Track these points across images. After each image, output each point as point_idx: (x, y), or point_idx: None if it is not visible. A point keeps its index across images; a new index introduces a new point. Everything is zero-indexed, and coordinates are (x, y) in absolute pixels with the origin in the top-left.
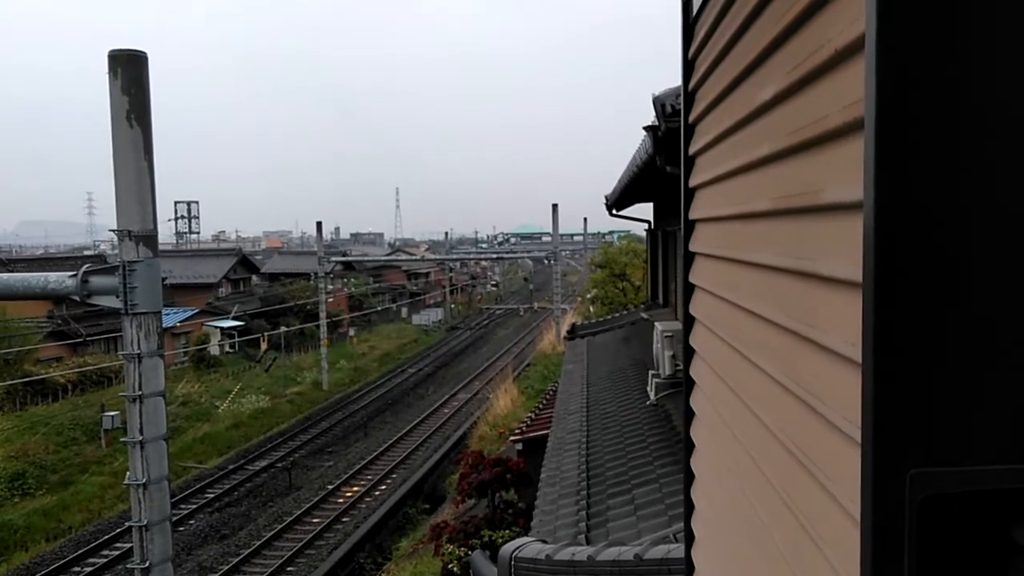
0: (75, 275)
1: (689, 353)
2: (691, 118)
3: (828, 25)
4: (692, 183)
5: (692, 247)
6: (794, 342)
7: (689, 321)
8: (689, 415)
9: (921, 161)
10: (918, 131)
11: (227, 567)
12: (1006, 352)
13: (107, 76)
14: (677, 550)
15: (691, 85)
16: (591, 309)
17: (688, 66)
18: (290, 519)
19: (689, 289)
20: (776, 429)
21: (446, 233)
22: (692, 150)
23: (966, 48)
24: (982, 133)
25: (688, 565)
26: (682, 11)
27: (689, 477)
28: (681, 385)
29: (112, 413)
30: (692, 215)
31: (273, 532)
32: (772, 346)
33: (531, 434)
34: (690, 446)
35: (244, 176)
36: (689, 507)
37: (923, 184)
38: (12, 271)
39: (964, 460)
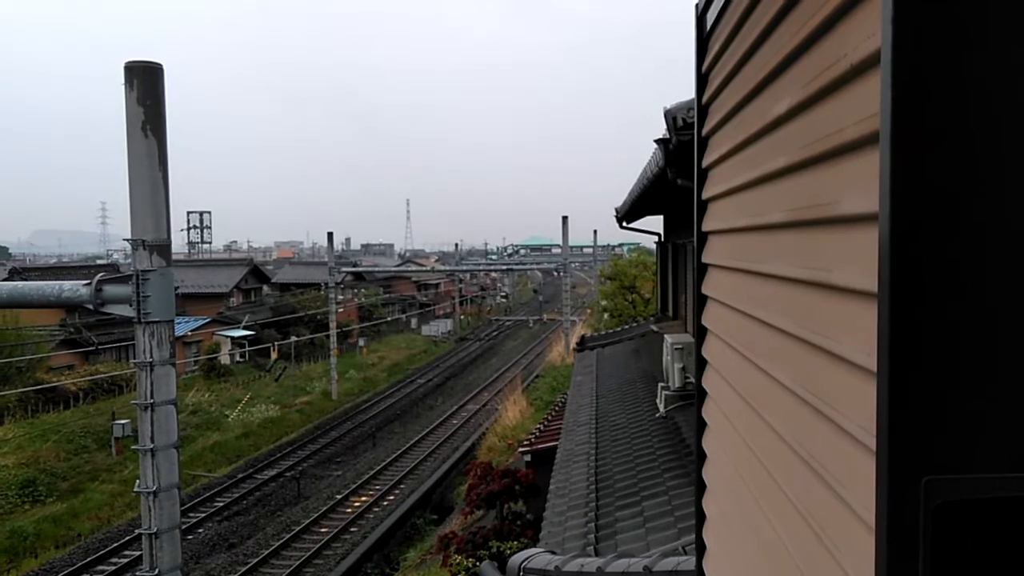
0: (89, 284)
1: (701, 364)
2: (705, 130)
3: (844, 40)
4: (705, 195)
5: (705, 259)
6: (808, 352)
7: (701, 332)
8: (701, 425)
9: (936, 173)
10: (933, 144)
11: None
12: (1020, 361)
13: (123, 87)
14: (687, 562)
15: (705, 98)
16: (605, 318)
17: (702, 79)
18: (298, 528)
19: (702, 300)
20: (790, 438)
21: (456, 244)
22: (706, 162)
23: (982, 63)
24: (998, 146)
25: None
26: (696, 26)
27: (701, 487)
28: (691, 397)
29: (123, 421)
30: (705, 227)
31: (281, 541)
32: (786, 356)
33: (540, 446)
34: (702, 456)
35: (256, 186)
36: (701, 518)
37: (938, 196)
38: (26, 279)
39: (978, 468)
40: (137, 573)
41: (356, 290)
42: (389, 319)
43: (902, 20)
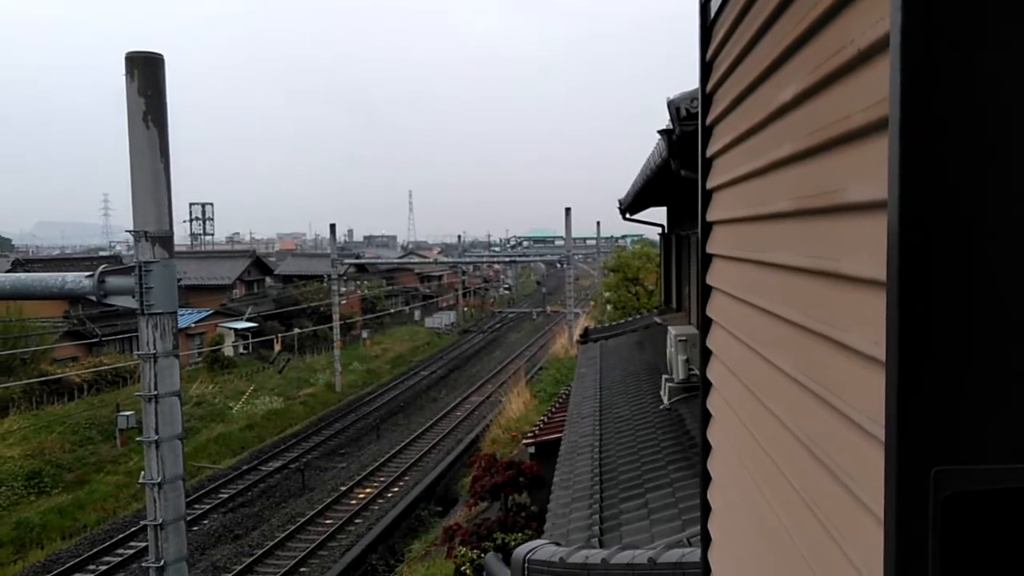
0: (92, 275)
1: (706, 355)
2: (709, 120)
3: (851, 25)
4: (709, 185)
5: (709, 249)
6: (815, 341)
7: (706, 323)
8: (706, 417)
9: (946, 160)
10: (943, 130)
11: (240, 567)
12: None
13: (124, 78)
14: (691, 554)
15: (709, 87)
16: (608, 310)
17: (706, 68)
18: (303, 520)
19: (706, 291)
20: (796, 429)
21: (459, 236)
22: (710, 152)
23: (993, 48)
24: (1009, 133)
25: (704, 567)
26: (700, 14)
27: (706, 479)
28: (695, 389)
29: (127, 413)
30: (710, 217)
31: (286, 533)
32: (792, 346)
33: (544, 437)
34: (707, 448)
35: (258, 178)
36: (706, 509)
37: (948, 183)
38: (29, 271)
39: (988, 458)
40: (143, 564)
41: (359, 282)
42: (392, 311)
43: (912, 4)
